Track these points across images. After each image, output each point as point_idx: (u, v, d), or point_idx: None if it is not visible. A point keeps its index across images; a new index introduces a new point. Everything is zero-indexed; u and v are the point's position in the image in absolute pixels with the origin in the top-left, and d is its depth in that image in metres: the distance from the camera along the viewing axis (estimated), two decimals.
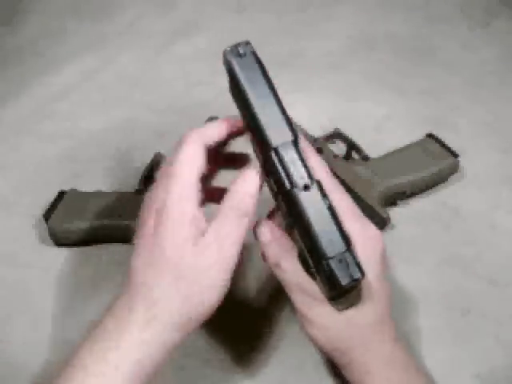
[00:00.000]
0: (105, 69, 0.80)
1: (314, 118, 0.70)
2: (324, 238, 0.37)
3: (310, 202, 0.37)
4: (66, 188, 0.61)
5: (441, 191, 0.63)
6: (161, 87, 0.77)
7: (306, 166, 0.38)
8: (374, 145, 0.66)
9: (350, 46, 0.83)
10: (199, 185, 0.39)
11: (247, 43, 0.41)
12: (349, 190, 0.59)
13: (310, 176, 0.38)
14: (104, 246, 0.59)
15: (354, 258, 0.37)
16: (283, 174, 0.38)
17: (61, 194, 0.60)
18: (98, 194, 0.60)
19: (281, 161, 0.38)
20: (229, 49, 0.40)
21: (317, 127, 0.68)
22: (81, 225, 0.57)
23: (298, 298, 0.41)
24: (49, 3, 0.91)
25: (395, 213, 0.61)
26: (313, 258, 0.38)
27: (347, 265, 0.37)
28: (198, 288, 0.38)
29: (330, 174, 0.41)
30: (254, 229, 0.42)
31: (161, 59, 0.82)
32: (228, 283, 0.39)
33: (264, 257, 0.42)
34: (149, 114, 0.73)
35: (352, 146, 0.65)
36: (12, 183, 0.65)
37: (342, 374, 0.42)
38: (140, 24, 0.88)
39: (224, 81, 0.41)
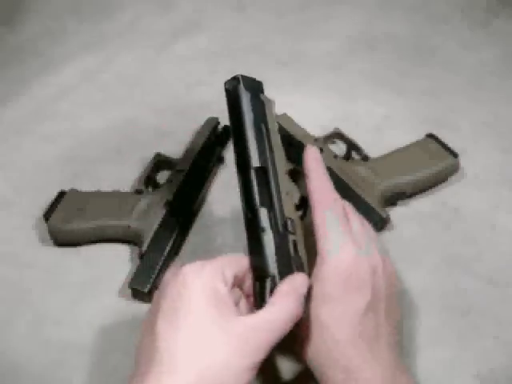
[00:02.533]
0: (105, 69, 0.80)
1: (314, 118, 0.70)
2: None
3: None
4: (66, 188, 0.61)
5: (441, 191, 0.63)
6: (161, 87, 0.77)
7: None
8: (374, 145, 0.66)
9: (349, 45, 0.83)
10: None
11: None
12: (349, 189, 0.59)
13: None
14: (104, 245, 0.59)
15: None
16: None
17: (61, 194, 0.60)
18: (97, 194, 0.60)
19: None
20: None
21: (317, 127, 0.68)
22: (81, 225, 0.57)
23: None
24: (49, 3, 0.91)
25: (395, 213, 0.61)
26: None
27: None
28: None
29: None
30: None
31: (161, 59, 0.82)
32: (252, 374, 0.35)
33: None
34: (149, 113, 0.73)
35: (352, 146, 0.65)
36: (12, 183, 0.65)
37: None
38: (140, 24, 0.88)
39: (223, 81, 0.41)
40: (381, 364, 0.39)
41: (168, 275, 0.39)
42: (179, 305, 0.35)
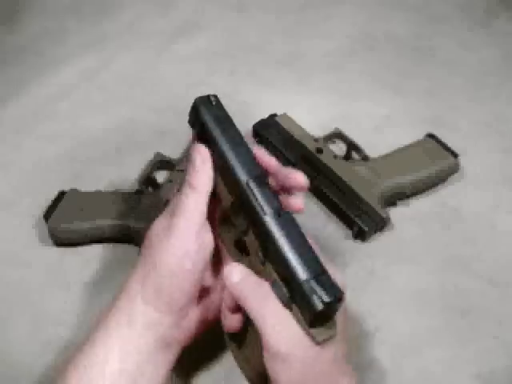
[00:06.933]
0: (105, 69, 0.80)
1: (314, 118, 0.70)
2: (299, 260, 0.37)
3: (282, 227, 0.38)
4: (66, 188, 0.61)
5: (441, 191, 0.63)
6: (161, 87, 0.77)
7: (276, 196, 0.39)
8: (374, 145, 0.66)
9: (349, 45, 0.83)
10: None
11: (215, 96, 0.44)
12: (349, 189, 0.59)
13: (280, 205, 0.39)
14: (104, 245, 0.59)
15: (331, 279, 0.36)
16: (256, 204, 0.39)
17: (61, 194, 0.60)
18: (97, 194, 0.60)
19: (252, 192, 0.39)
20: (199, 98, 0.43)
21: (317, 127, 0.68)
22: (81, 225, 0.57)
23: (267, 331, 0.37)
24: (49, 3, 0.91)
25: (395, 213, 0.61)
26: (288, 285, 0.37)
27: (324, 287, 0.35)
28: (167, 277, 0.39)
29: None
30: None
31: (161, 59, 0.82)
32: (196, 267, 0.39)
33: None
34: (149, 113, 0.73)
35: (352, 146, 0.65)
36: (12, 183, 0.65)
37: None
38: (140, 24, 0.88)
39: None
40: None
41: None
42: None
